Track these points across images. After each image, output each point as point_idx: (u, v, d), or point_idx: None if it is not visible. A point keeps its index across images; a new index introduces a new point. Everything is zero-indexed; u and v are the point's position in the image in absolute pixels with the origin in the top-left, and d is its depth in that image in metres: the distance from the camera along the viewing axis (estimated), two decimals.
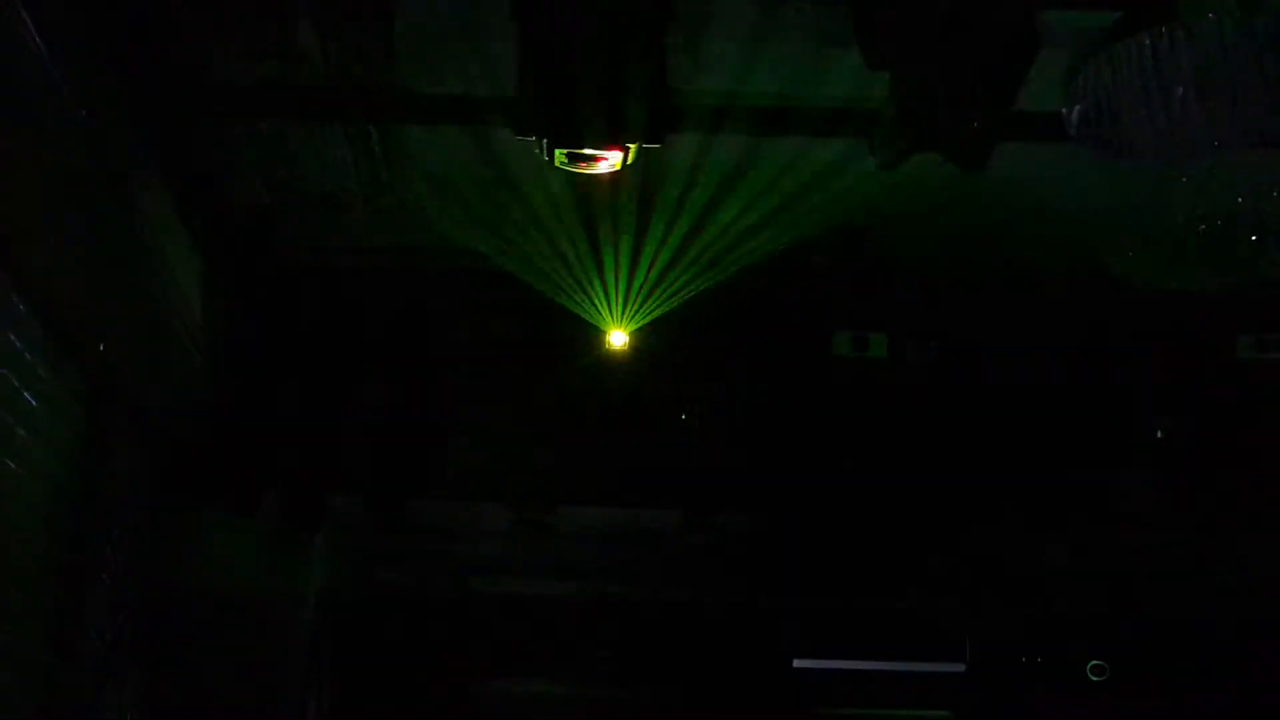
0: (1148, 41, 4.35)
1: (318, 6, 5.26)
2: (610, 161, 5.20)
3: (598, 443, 7.29)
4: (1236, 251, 4.92)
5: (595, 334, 7.06)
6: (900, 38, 4.70)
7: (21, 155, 4.49)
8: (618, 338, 7.07)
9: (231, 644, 6.94)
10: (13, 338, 4.76)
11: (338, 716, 7.88)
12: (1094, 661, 7.56)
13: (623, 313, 7.00)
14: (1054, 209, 6.32)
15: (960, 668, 7.48)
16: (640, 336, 7.08)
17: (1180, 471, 7.17)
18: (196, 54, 5.37)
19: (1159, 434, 7.17)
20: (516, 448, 7.28)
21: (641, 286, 6.92)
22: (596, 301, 6.97)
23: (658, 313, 6.93)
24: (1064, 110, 4.74)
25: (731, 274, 6.75)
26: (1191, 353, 7.06)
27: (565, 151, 5.12)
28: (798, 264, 6.80)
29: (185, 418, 6.44)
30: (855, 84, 4.94)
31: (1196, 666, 7.41)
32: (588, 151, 5.10)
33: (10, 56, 4.19)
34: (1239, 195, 4.67)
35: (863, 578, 7.51)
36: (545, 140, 5.04)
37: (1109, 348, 7.06)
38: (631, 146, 5.14)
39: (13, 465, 4.79)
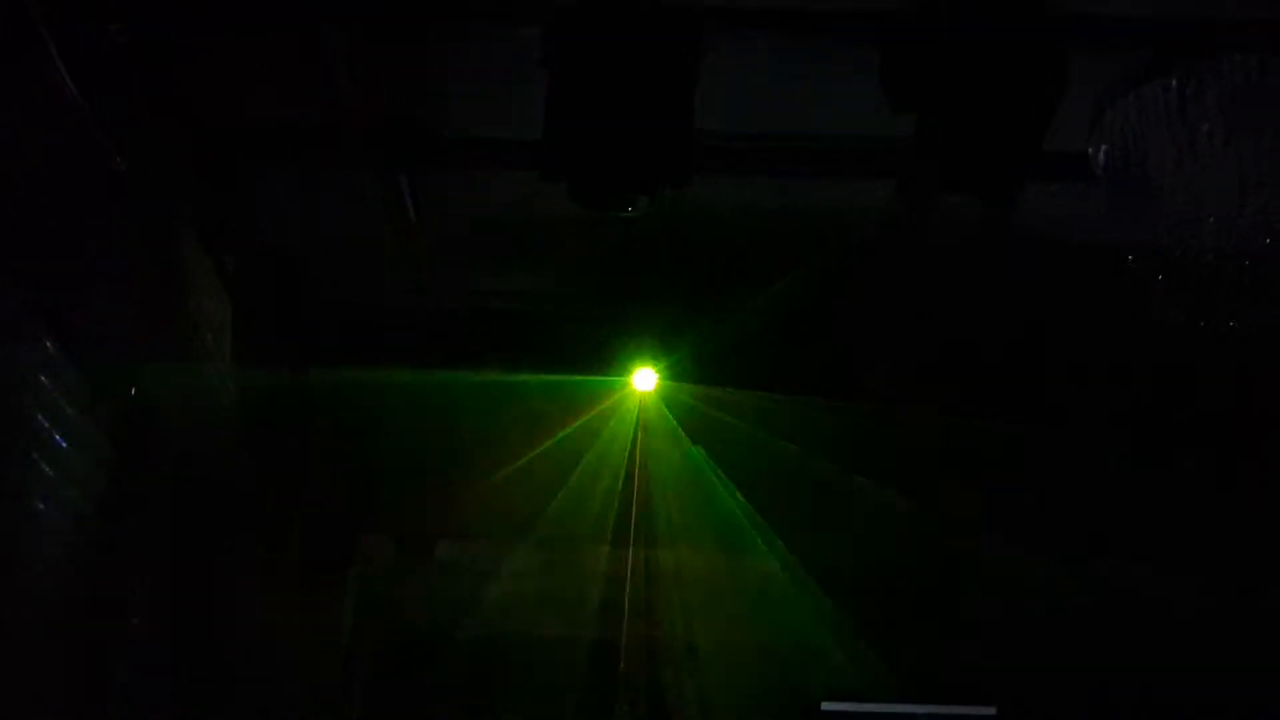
0: (1175, 81, 4.35)
1: (351, 50, 5.32)
2: (638, 203, 5.21)
3: (625, 483, 7.30)
4: (1266, 290, 4.90)
5: (623, 375, 7.08)
6: (927, 77, 4.71)
7: (54, 198, 4.54)
8: (646, 377, 7.08)
9: (260, 684, 6.93)
10: (43, 378, 4.80)
11: None
12: (1126, 705, 7.47)
13: (650, 353, 7.02)
14: (1081, 248, 6.30)
15: (991, 711, 7.42)
16: (669, 375, 7.09)
17: (1215, 514, 7.10)
18: (229, 97, 5.44)
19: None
20: (546, 487, 7.29)
21: (669, 327, 6.94)
22: (625, 341, 7.00)
23: (684, 352, 6.94)
24: (1091, 149, 4.73)
25: (760, 313, 6.75)
26: (1222, 392, 7.00)
27: (593, 195, 5.13)
28: (824, 301, 6.80)
29: (215, 457, 6.47)
30: (882, 124, 4.95)
31: (1229, 714, 7.31)
32: (614, 194, 5.12)
33: (44, 102, 4.25)
34: (1266, 234, 4.65)
35: (891, 620, 7.46)
36: (573, 182, 5.06)
37: (1139, 387, 7.01)
38: (659, 188, 5.15)
39: (41, 505, 4.82)
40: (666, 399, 7.21)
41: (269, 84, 5.39)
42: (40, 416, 4.79)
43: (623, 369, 7.08)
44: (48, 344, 4.82)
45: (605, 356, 7.03)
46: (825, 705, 7.44)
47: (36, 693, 4.86)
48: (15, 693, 4.67)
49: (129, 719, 5.70)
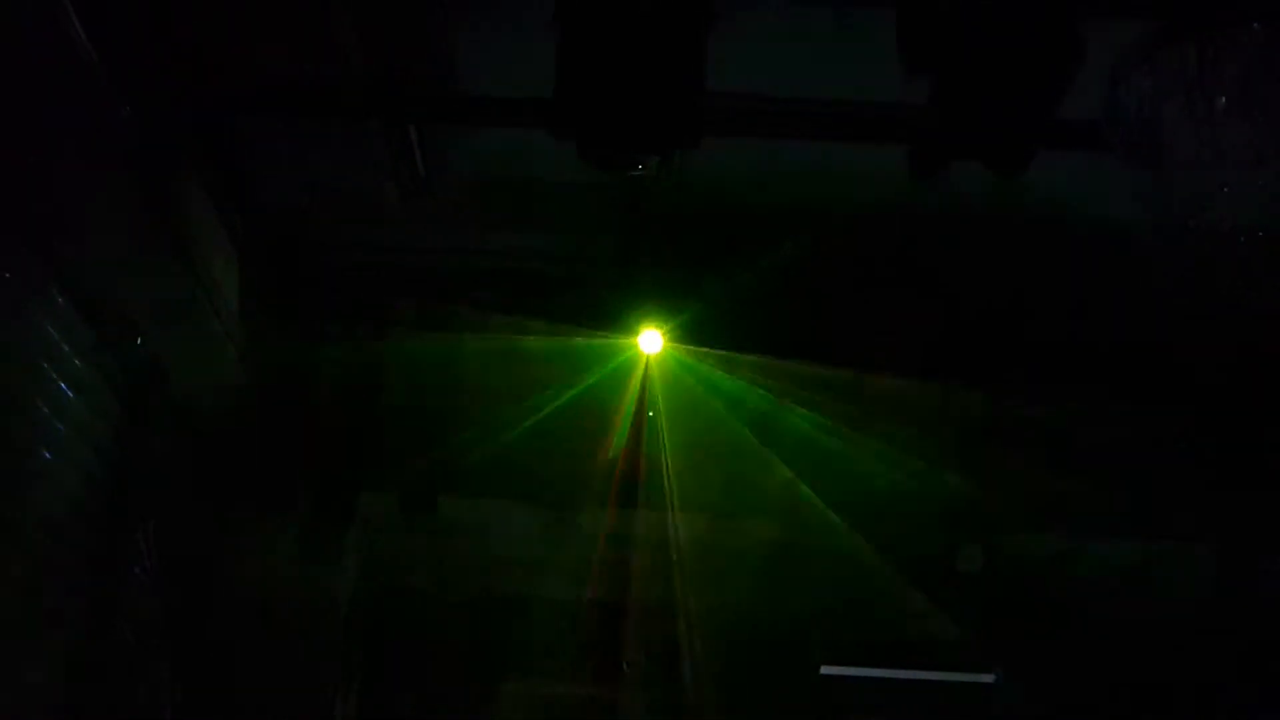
0: (1190, 50, 4.32)
1: (359, 5, 5.29)
2: (648, 164, 5.19)
3: (629, 446, 7.30)
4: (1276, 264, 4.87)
5: (629, 337, 7.07)
6: (941, 42, 4.69)
7: (63, 149, 4.53)
8: (650, 341, 7.07)
9: (262, 639, 6.96)
10: (51, 329, 4.81)
11: (366, 712, 7.90)
12: (1125, 672, 7.50)
13: (656, 314, 7.01)
14: (1091, 217, 6.28)
15: (989, 678, 7.45)
16: (675, 337, 7.09)
17: (1216, 486, 7.10)
18: (237, 51, 5.41)
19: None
20: (550, 448, 7.29)
21: (675, 289, 6.93)
22: (631, 303, 6.99)
23: (690, 314, 6.94)
24: (1103, 118, 4.70)
25: (764, 277, 6.74)
26: (1234, 367, 6.98)
27: (601, 154, 5.12)
28: (827, 268, 6.79)
29: (220, 413, 6.47)
30: (895, 89, 4.93)
31: (1229, 683, 7.34)
32: (624, 155, 5.10)
33: (56, 52, 4.23)
34: None
35: (891, 586, 7.48)
36: (583, 142, 5.04)
37: (1147, 361, 7.00)
38: (669, 149, 5.13)
39: (48, 455, 4.84)
40: (672, 361, 7.21)
41: (277, 38, 5.36)
42: (47, 367, 4.80)
43: (629, 330, 7.07)
44: (55, 296, 4.83)
45: (611, 317, 7.02)
46: (825, 669, 7.48)
47: (38, 642, 4.88)
48: (17, 641, 4.69)
49: (129, 670, 5.73)
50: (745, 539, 7.53)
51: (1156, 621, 7.44)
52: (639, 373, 7.22)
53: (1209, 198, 4.75)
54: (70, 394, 4.98)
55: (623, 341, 7.11)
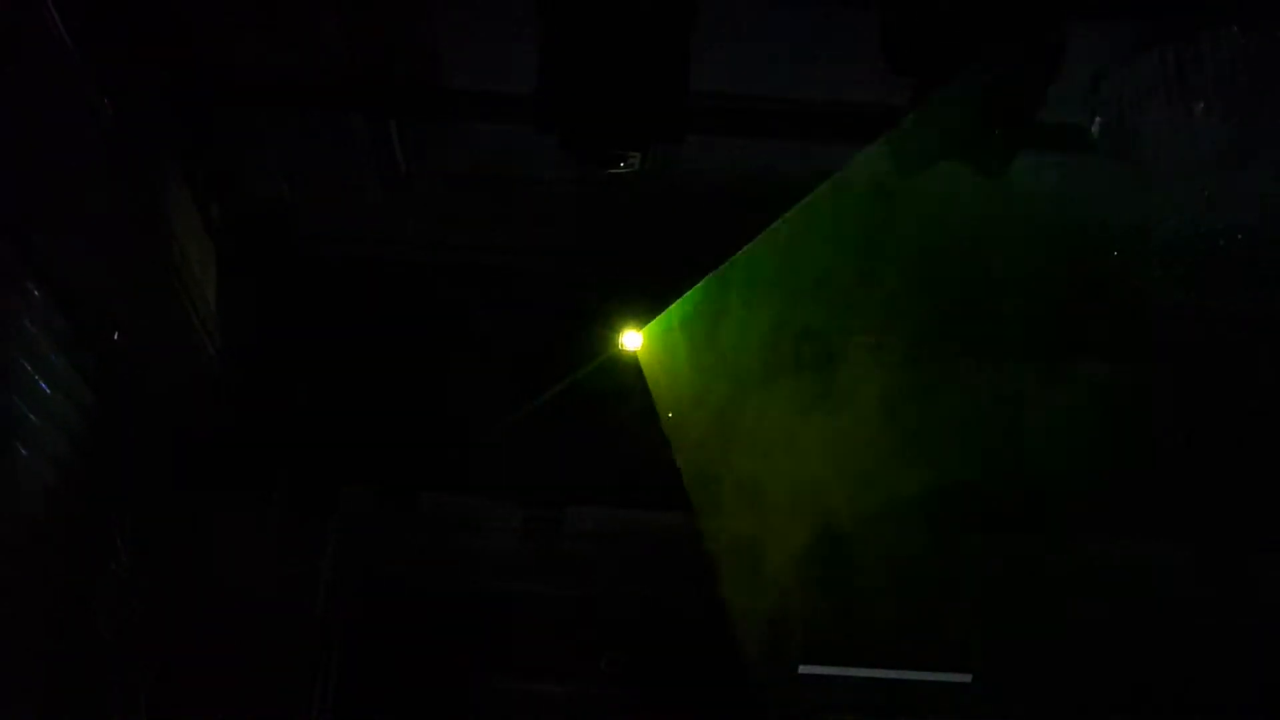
0: (1171, 53, 4.34)
1: None
2: (630, 161, 5.19)
3: (610, 442, 7.29)
4: (1256, 266, 4.90)
5: (609, 334, 7.06)
6: (925, 44, 4.69)
7: (43, 143, 4.50)
8: (631, 338, 7.06)
9: (239, 634, 6.95)
10: (28, 323, 4.78)
11: (343, 708, 7.91)
12: (1103, 673, 7.53)
13: (638, 313, 7.01)
14: (1072, 220, 6.29)
15: (967, 678, 7.47)
16: (655, 334, 7.08)
17: (1193, 486, 7.12)
18: (218, 43, 5.39)
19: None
20: (530, 444, 7.29)
21: (658, 287, 6.92)
22: (611, 299, 6.98)
23: (672, 314, 6.93)
24: (1086, 121, 4.72)
25: (744, 279, 6.74)
26: (1210, 367, 7.00)
27: (585, 149, 5.11)
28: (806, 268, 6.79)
29: (198, 407, 6.45)
30: (879, 88, 4.93)
31: (1207, 683, 7.37)
32: (607, 150, 5.09)
33: (35, 45, 4.21)
34: (1259, 209, 4.65)
35: (870, 584, 7.50)
36: (565, 137, 5.03)
37: (1128, 361, 7.02)
38: (651, 146, 5.13)
39: (24, 450, 4.81)
40: (652, 359, 7.21)
41: (259, 30, 5.34)
42: (24, 361, 4.77)
43: (609, 327, 7.06)
44: (32, 289, 4.80)
45: (592, 313, 7.01)
46: (802, 668, 7.49)
47: (14, 638, 4.86)
48: None
49: (108, 665, 5.71)
50: (721, 537, 7.54)
51: (1149, 621, 7.45)
52: (619, 368, 7.21)
53: (1189, 199, 4.78)
54: (46, 388, 4.95)
55: (603, 337, 7.11)
